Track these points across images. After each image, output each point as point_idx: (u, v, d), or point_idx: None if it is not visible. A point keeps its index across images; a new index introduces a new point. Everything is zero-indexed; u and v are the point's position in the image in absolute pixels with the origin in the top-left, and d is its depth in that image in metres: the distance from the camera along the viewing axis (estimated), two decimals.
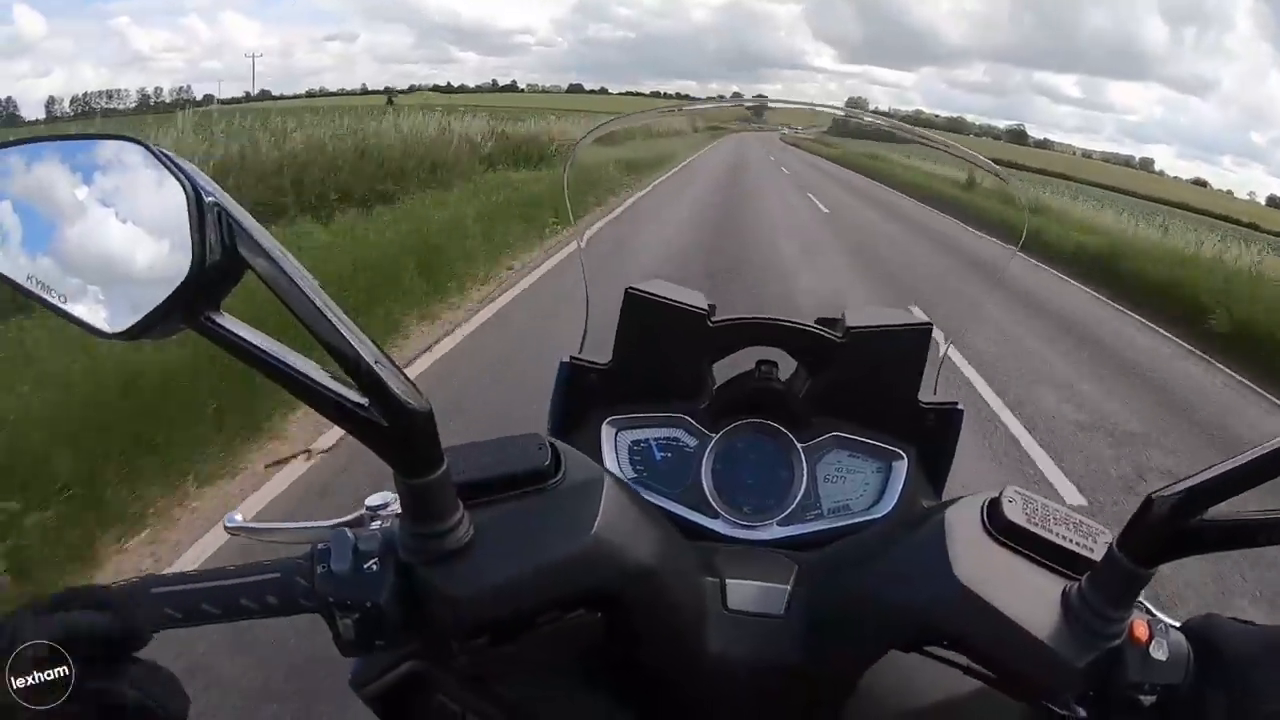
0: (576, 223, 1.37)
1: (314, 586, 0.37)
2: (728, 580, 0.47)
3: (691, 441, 0.62)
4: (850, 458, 0.62)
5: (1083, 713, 0.38)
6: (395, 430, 0.34)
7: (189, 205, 0.31)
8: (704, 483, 0.59)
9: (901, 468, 0.61)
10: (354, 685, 0.46)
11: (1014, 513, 0.41)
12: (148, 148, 0.32)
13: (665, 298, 0.62)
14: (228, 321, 0.33)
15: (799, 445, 0.60)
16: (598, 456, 0.59)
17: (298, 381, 0.33)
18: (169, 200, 0.31)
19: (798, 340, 0.63)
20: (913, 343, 0.62)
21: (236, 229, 0.32)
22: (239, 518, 0.45)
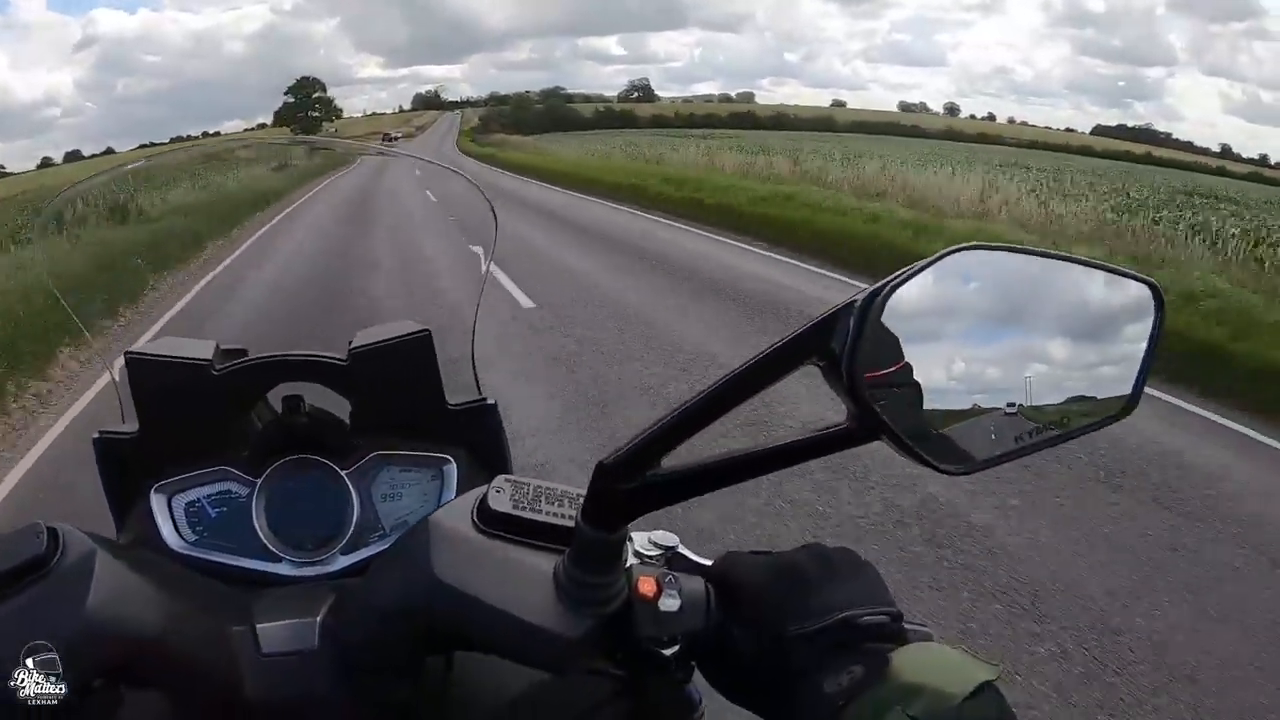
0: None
1: None
2: (258, 625, 0.46)
3: (241, 491, 0.60)
4: (402, 473, 0.61)
5: (620, 673, 0.41)
6: None
7: None
8: (258, 529, 0.58)
9: (452, 471, 0.61)
10: None
11: (500, 502, 0.42)
12: None
13: (163, 355, 0.60)
14: None
15: (342, 472, 0.59)
16: (154, 528, 0.58)
17: None
18: None
19: (308, 371, 0.61)
20: (416, 351, 0.61)
21: None
22: None
